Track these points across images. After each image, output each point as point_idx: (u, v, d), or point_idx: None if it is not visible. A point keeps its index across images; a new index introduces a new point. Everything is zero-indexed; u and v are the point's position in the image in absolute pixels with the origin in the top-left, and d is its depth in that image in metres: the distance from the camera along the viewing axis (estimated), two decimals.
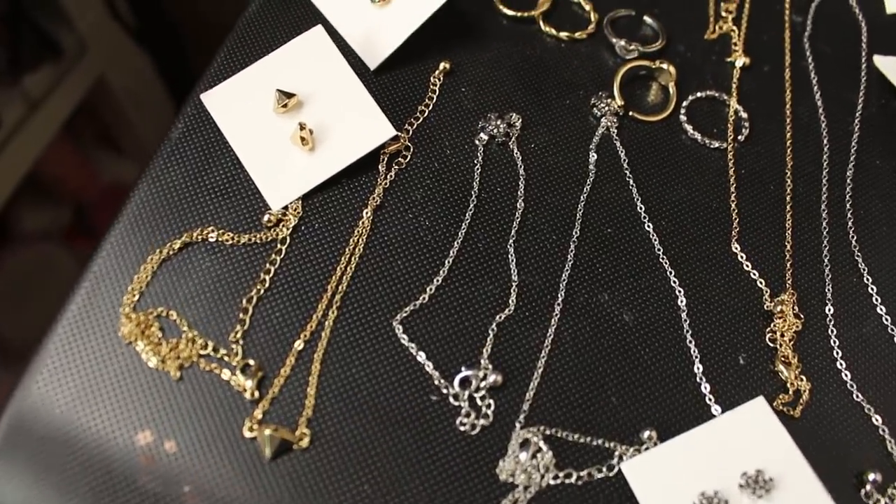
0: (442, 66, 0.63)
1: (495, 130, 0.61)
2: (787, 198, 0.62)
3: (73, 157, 1.30)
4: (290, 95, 0.57)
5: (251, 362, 0.51)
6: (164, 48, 1.32)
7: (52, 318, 0.53)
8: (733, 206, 0.61)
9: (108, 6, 1.18)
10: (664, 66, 0.65)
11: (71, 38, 1.16)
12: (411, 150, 0.60)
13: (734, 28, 0.70)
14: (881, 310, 0.58)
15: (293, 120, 0.58)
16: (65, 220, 1.31)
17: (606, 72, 0.66)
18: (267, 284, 0.54)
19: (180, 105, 0.60)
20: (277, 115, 0.58)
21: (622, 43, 0.66)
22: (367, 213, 0.57)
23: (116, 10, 1.19)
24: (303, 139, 0.57)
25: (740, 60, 0.68)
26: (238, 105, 0.58)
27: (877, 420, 0.54)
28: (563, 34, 0.67)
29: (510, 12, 0.67)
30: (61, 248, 1.29)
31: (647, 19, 0.69)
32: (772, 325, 0.56)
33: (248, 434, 0.49)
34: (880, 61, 0.69)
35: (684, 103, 0.65)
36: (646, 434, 0.51)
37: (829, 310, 0.57)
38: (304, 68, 0.59)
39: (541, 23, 0.67)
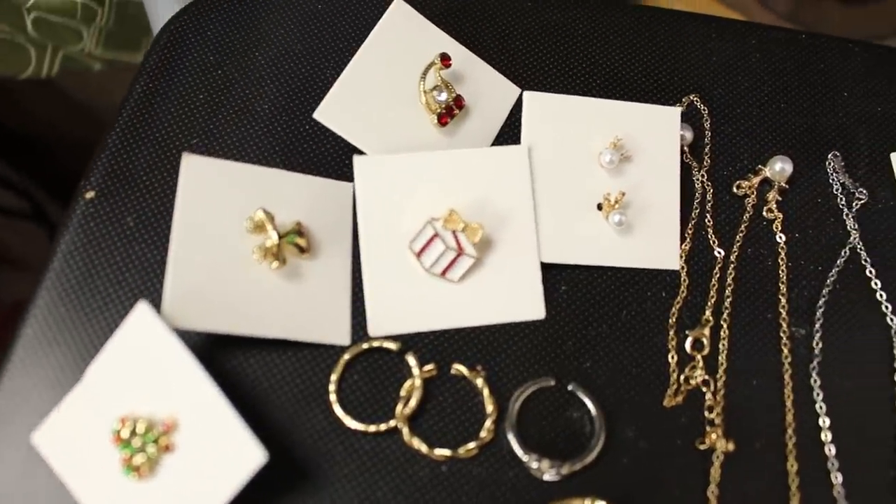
0: None
1: None
2: None
3: None
4: None
5: None
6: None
7: None
8: None
9: None
10: None
11: None
12: None
13: (707, 378, 0.46)
14: None
15: None
16: None
17: None
18: None
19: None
20: None
21: (535, 465, 0.43)
22: None
23: None
24: None
25: (720, 447, 0.45)
26: None
27: None
28: (441, 452, 0.43)
29: (357, 426, 0.43)
30: None
31: (577, 392, 0.45)
32: None
33: None
34: None
35: None
36: None
37: None
38: None
39: (405, 433, 0.44)
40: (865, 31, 0.77)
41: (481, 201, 0.46)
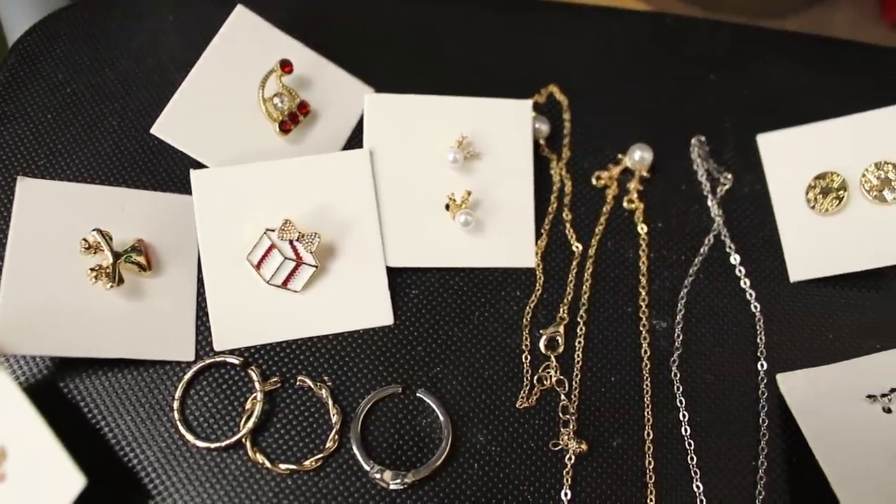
0: None
1: None
2: None
3: None
4: None
5: None
6: None
7: None
8: None
9: None
10: None
11: None
12: None
13: (562, 378, 0.45)
14: None
15: None
16: None
17: None
18: None
19: None
20: None
21: (378, 476, 0.42)
22: None
23: None
24: None
25: (572, 448, 0.43)
26: None
27: None
28: (285, 466, 0.42)
29: (200, 443, 0.43)
30: None
31: (425, 399, 0.44)
32: None
33: None
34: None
35: None
36: None
37: None
38: None
39: (249, 447, 0.43)
40: (766, 9, 0.75)
41: (323, 208, 0.45)
